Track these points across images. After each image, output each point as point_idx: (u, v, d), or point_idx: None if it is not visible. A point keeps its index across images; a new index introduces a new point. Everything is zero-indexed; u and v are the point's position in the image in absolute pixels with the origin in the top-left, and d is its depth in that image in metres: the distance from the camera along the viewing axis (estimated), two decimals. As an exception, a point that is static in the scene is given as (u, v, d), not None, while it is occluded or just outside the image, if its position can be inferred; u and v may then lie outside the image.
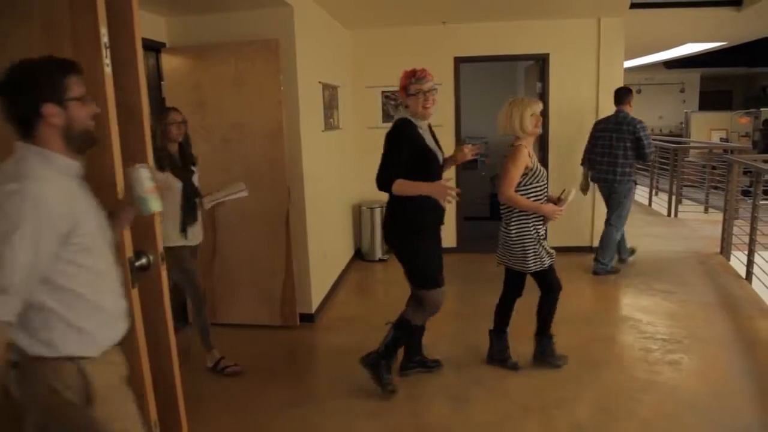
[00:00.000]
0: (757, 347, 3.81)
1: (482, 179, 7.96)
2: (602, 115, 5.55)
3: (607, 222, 5.31)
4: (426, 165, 3.01)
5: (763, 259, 4.95)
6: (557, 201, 3.27)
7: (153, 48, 4.05)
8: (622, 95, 5.18)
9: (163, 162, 3.19)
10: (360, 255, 6.10)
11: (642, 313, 4.42)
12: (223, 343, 4.05)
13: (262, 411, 3.15)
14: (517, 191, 3.21)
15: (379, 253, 6.02)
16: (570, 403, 3.11)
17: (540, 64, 5.94)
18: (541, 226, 3.29)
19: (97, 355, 1.56)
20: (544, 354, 3.52)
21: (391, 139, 3.01)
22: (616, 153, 5.09)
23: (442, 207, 3.08)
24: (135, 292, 1.78)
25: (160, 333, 1.96)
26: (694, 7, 5.56)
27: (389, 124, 6.25)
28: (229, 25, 4.05)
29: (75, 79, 1.51)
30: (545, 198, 3.30)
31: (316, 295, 4.50)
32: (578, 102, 5.80)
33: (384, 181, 2.94)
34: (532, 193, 3.23)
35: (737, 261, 5.50)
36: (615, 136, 5.09)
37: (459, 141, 6.15)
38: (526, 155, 3.21)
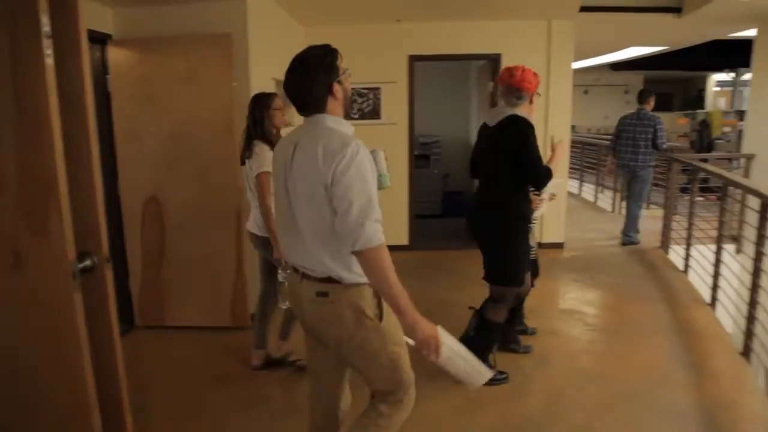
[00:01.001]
0: (693, 335, 3.98)
1: (434, 177, 8.02)
2: (552, 115, 5.76)
3: (630, 200, 6.35)
4: None
5: (699, 252, 5.15)
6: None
7: (99, 40, 3.89)
8: (643, 96, 6.18)
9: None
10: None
11: (588, 306, 4.55)
12: (171, 347, 3.94)
13: (211, 417, 3.06)
14: None
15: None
16: (521, 397, 3.17)
17: (492, 64, 6.02)
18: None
19: None
20: (506, 341, 3.65)
21: (525, 135, 2.98)
22: (638, 143, 6.06)
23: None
24: (78, 297, 1.70)
25: (105, 338, 1.87)
26: (638, 12, 5.75)
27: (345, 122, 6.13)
28: (180, 18, 3.93)
29: (340, 59, 1.91)
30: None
31: (270, 294, 4.43)
32: (528, 102, 5.91)
33: (543, 175, 3.00)
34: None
35: (676, 255, 5.73)
36: (638, 129, 6.07)
37: None
38: None
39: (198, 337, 4.08)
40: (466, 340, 3.15)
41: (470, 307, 3.35)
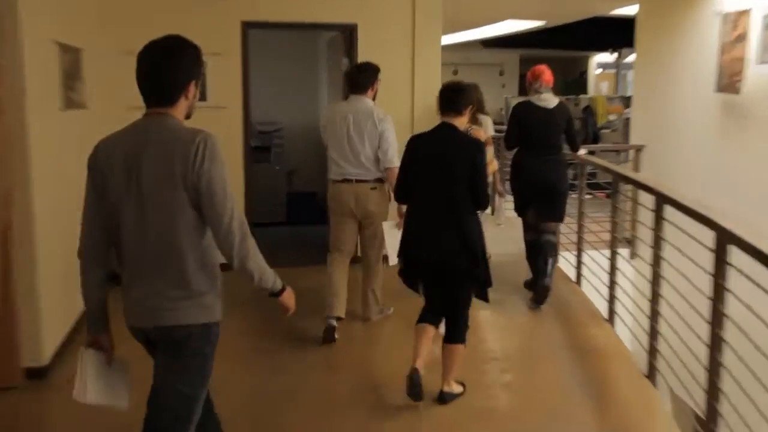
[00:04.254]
0: (590, 356, 4.28)
1: (276, 174, 7.94)
2: (418, 98, 6.11)
3: None
4: None
5: (592, 258, 5.50)
6: None
7: None
8: None
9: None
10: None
11: (474, 330, 4.69)
12: None
13: None
14: None
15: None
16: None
17: (346, 36, 6.06)
18: None
19: None
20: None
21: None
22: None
23: None
24: None
25: None
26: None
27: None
28: None
29: None
30: None
31: (51, 341, 4.03)
32: (392, 81, 6.00)
33: None
34: None
35: (566, 262, 6.03)
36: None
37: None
38: None
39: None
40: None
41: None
